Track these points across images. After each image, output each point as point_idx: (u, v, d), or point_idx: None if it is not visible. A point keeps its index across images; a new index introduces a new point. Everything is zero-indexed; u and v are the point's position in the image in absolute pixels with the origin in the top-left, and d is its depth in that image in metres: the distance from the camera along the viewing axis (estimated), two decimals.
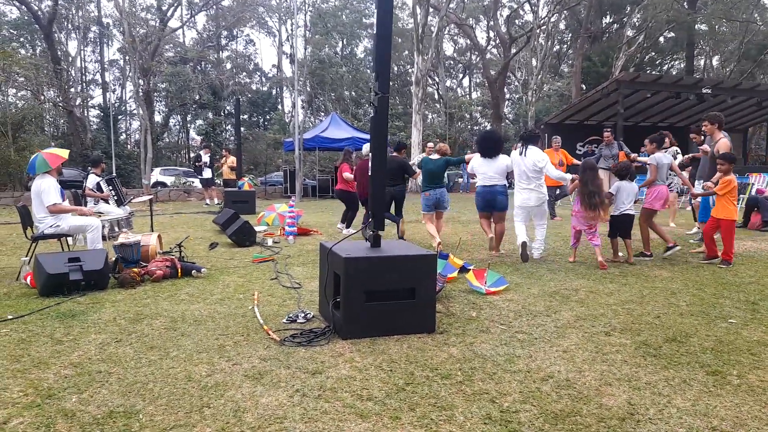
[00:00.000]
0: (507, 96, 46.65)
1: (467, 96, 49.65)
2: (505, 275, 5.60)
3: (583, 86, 32.10)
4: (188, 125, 42.72)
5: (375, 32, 3.89)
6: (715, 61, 37.11)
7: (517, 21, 35.31)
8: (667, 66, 38.70)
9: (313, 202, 17.86)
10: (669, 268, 5.81)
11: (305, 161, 26.80)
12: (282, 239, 8.29)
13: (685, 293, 4.79)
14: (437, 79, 43.61)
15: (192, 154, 36.22)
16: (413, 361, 3.29)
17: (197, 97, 35.27)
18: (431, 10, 23.65)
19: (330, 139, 18.27)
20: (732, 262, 5.92)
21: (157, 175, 25.87)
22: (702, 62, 37.32)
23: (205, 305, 4.56)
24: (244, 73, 43.60)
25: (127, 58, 27.91)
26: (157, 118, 36.29)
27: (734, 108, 23.10)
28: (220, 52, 42.50)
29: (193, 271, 5.66)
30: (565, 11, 31.19)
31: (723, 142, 6.46)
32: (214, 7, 37.24)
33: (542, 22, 25.50)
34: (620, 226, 6.25)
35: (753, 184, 11.29)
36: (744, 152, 26.04)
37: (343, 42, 47.41)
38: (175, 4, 32.42)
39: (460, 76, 51.93)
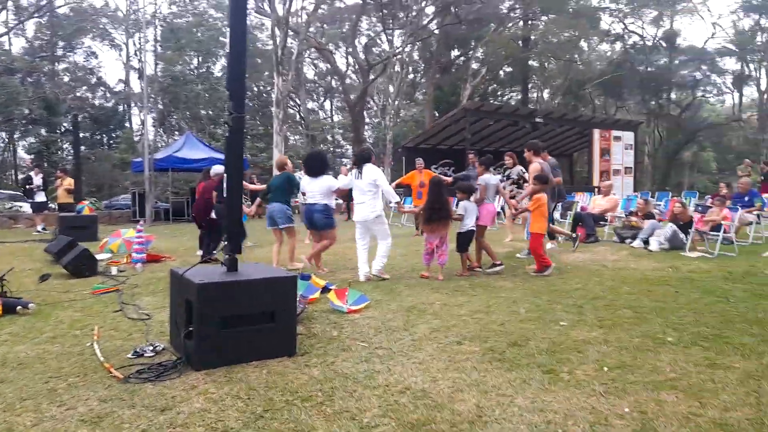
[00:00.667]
0: (367, 120, 48.15)
1: (329, 119, 50.35)
2: (365, 293, 5.70)
3: (436, 113, 34.28)
4: (15, 143, 37.80)
5: (228, 51, 3.80)
6: (546, 94, 41.84)
7: (374, 49, 36.76)
8: (507, 97, 42.83)
9: (167, 226, 16.70)
10: (511, 280, 6.35)
11: (157, 183, 25.09)
12: (129, 267, 7.62)
13: (524, 301, 5.26)
14: (299, 101, 43.66)
15: (21, 176, 32.06)
16: (273, 386, 3.20)
17: (26, 112, 31.39)
18: (291, 32, 23.75)
19: (185, 159, 17.31)
20: (543, 271, 6.54)
21: None
22: (535, 95, 41.87)
23: (32, 345, 4.02)
24: (85, 87, 39.83)
25: None
26: None
27: (562, 135, 26.21)
28: (56, 63, 38.43)
29: (18, 308, 4.96)
30: (417, 42, 33.21)
31: (533, 167, 7.40)
32: (47, 14, 33.70)
33: (397, 51, 26.85)
34: (468, 241, 6.75)
35: (578, 202, 12.82)
36: (570, 174, 29.51)
37: (198, 59, 45.51)
38: None
39: (322, 99, 52.59)
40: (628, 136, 25.08)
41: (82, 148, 37.80)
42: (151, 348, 3.78)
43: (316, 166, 6.99)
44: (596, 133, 23.78)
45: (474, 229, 6.71)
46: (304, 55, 37.19)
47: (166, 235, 12.51)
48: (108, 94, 43.15)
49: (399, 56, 26.52)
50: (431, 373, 3.43)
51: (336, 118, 51.12)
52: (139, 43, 34.29)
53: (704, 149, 37.70)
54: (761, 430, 2.66)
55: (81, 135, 37.97)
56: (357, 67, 34.32)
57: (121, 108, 42.13)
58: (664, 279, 6.22)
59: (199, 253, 8.68)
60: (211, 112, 43.18)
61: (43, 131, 34.26)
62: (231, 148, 3.71)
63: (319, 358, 3.71)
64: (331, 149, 48.95)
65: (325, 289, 5.59)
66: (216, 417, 2.79)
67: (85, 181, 30.89)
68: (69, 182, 13.83)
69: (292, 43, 23.78)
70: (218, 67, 47.34)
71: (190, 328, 3.44)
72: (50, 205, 14.24)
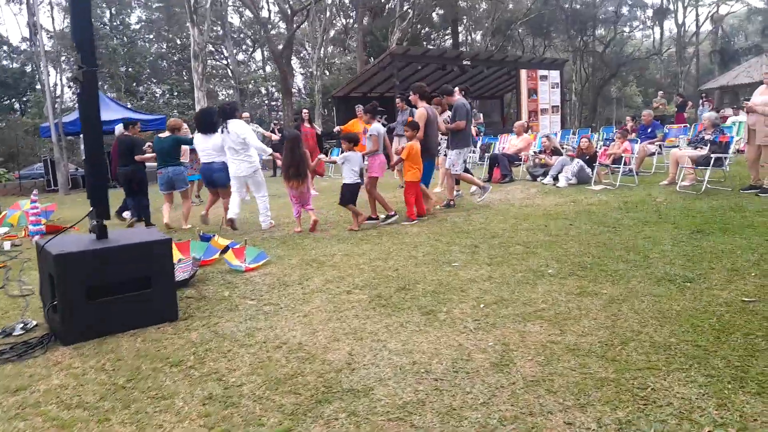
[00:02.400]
0: (301, 70, 46.65)
1: (261, 70, 48.38)
2: (270, 249, 5.64)
3: (372, 59, 33.58)
4: None
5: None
6: (477, 37, 41.69)
7: None
8: (440, 41, 42.37)
9: (83, 192, 15.88)
10: (419, 225, 6.41)
11: (72, 148, 23.66)
12: (27, 241, 7.20)
13: (426, 245, 5.34)
14: (226, 53, 41.65)
15: None
16: (144, 354, 3.12)
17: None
18: None
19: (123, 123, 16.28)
20: (416, 218, 6.54)
21: None
22: (467, 37, 41.63)
23: None
24: None
25: None
26: None
27: (491, 77, 26.35)
28: None
29: None
30: None
31: (418, 112, 6.89)
32: None
33: None
34: (352, 194, 6.53)
35: (494, 143, 12.98)
36: (501, 116, 29.93)
37: (111, 11, 42.25)
38: None
39: (251, 49, 50.33)
40: (554, 75, 25.47)
41: None
42: (22, 326, 3.59)
43: (207, 123, 6.79)
44: (523, 73, 23.99)
45: (359, 182, 6.55)
46: (224, 3, 35.21)
47: (78, 204, 11.89)
48: (12, 55, 39.73)
49: (321, 1, 25.50)
50: (312, 325, 3.44)
51: (268, 69, 49.22)
52: None
53: (627, 84, 38.94)
54: (608, 350, 2.83)
55: None
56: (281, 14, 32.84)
57: (29, 69, 38.89)
58: (563, 213, 6.46)
59: (127, 214, 8.34)
60: (131, 69, 40.66)
61: None
62: (85, 105, 3.44)
63: (203, 320, 3.64)
64: (266, 102, 47.43)
65: (226, 250, 5.48)
66: (73, 392, 2.69)
67: None
68: None
69: None
70: (134, 19, 44.35)
71: (54, 302, 3.28)
72: None
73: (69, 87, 40.96)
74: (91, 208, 3.57)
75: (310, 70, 43.50)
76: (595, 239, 5.09)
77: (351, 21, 43.68)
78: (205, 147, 6.77)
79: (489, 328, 3.21)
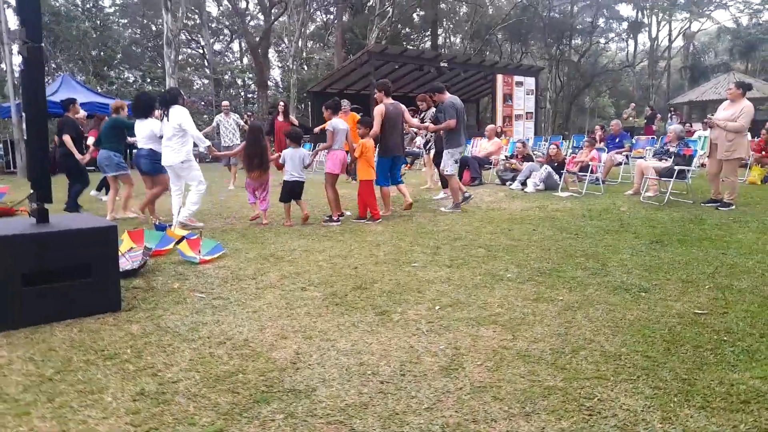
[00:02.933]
0: (279, 64, 46.03)
1: (239, 61, 47.61)
2: (229, 241, 5.49)
3: (351, 56, 33.38)
4: None
5: None
6: (456, 40, 41.88)
7: None
8: (420, 42, 42.42)
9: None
10: (384, 223, 6.34)
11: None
12: None
13: (388, 244, 5.26)
14: (203, 42, 40.90)
15: None
16: (78, 346, 2.95)
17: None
18: None
19: (58, 103, 15.74)
20: (379, 217, 6.43)
21: None
22: (446, 40, 41.78)
23: None
24: None
25: None
26: None
27: (468, 80, 26.48)
28: None
29: None
30: None
31: (377, 108, 6.65)
32: None
33: None
34: (290, 192, 6.46)
35: (470, 146, 12.99)
36: (477, 119, 30.11)
37: None
38: None
39: (228, 39, 49.51)
40: (530, 82, 25.73)
41: None
42: None
43: (140, 108, 6.67)
44: (500, 78, 24.18)
45: (298, 179, 6.40)
46: None
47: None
48: None
49: None
50: (261, 321, 3.32)
51: (246, 61, 48.44)
52: None
53: (600, 95, 39.63)
54: (558, 358, 2.78)
55: None
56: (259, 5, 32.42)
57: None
58: (528, 218, 6.46)
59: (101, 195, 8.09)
60: (102, 54, 39.56)
61: None
62: (29, 83, 3.25)
63: (147, 312, 3.48)
64: (242, 93, 46.69)
65: (182, 240, 5.29)
66: None
67: None
68: None
69: None
70: (108, 2, 43.15)
71: None
72: None
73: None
74: (31, 191, 3.38)
75: (287, 63, 43.12)
76: (557, 245, 5.09)
77: (331, 17, 43.40)
78: (139, 133, 6.63)
79: (442, 331, 3.14)
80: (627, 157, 9.87)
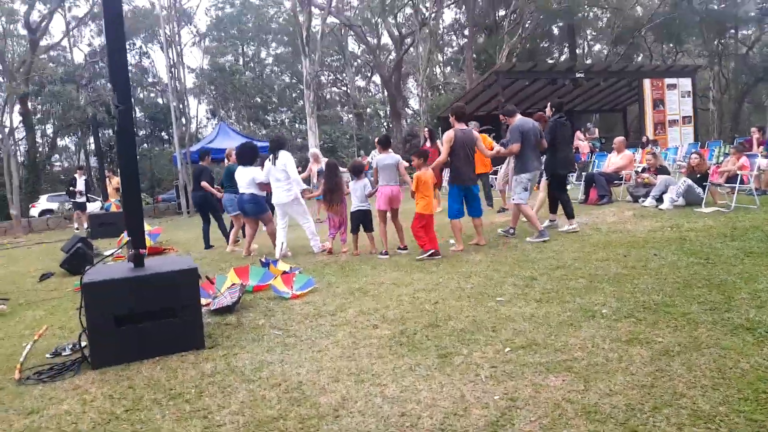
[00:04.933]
0: (417, 93, 47.29)
1: (379, 94, 49.91)
2: (326, 275, 5.64)
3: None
4: (86, 146, 40.31)
5: (105, 40, 3.73)
6: (596, 48, 39.41)
7: (407, 18, 35.92)
8: (560, 55, 40.66)
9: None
10: (485, 251, 6.02)
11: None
12: None
13: (480, 275, 4.97)
14: (347, 80, 43.69)
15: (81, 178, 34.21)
16: (153, 384, 3.18)
17: (89, 116, 33.32)
18: (316, 10, 23.61)
19: (217, 149, 17.75)
20: (428, 249, 5.99)
21: (44, 202, 24.35)
22: (586, 49, 39.52)
23: None
24: (139, 88, 41.56)
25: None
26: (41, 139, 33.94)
27: (609, 89, 24.68)
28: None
29: None
30: (453, 6, 32.07)
31: (446, 135, 6.22)
32: (98, 21, 35.29)
33: (426, 17, 25.94)
34: (358, 221, 6.61)
35: (594, 162, 11.95)
36: (625, 129, 27.76)
37: (245, 47, 46.31)
38: (47, 19, 30.52)
39: (368, 75, 52.23)
40: (685, 83, 23.18)
41: (144, 146, 39.96)
42: (71, 346, 3.87)
43: (245, 156, 7.25)
44: (647, 83, 22.15)
45: (362, 209, 6.59)
46: (344, 34, 36.92)
47: (191, 226, 12.92)
48: (162, 92, 44.89)
49: (431, 21, 25.66)
50: (322, 362, 3.30)
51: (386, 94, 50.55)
52: (175, 36, 34.98)
53: None
54: (632, 417, 2.34)
55: (141, 133, 40.11)
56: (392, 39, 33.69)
57: (181, 105, 43.79)
58: (652, 241, 5.69)
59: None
60: (259, 99, 44.05)
61: (109, 132, 36.22)
62: (122, 143, 3.67)
63: (225, 350, 3.66)
64: (384, 124, 48.69)
65: (285, 274, 5.54)
66: (73, 419, 2.80)
67: (145, 177, 32.62)
68: (117, 181, 14.55)
69: (315, 21, 23.61)
70: (263, 54, 48.10)
71: (84, 329, 3.48)
72: (87, 205, 14.96)
73: (207, 119, 45.51)
74: (128, 238, 3.78)
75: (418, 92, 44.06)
76: (676, 273, 4.39)
77: (466, 40, 43.56)
78: (242, 178, 7.18)
79: (503, 378, 2.84)
80: None
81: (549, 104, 7.14)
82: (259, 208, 7.14)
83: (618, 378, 2.72)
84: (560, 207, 6.96)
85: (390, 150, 6.73)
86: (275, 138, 7.26)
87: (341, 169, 7.87)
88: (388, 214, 6.63)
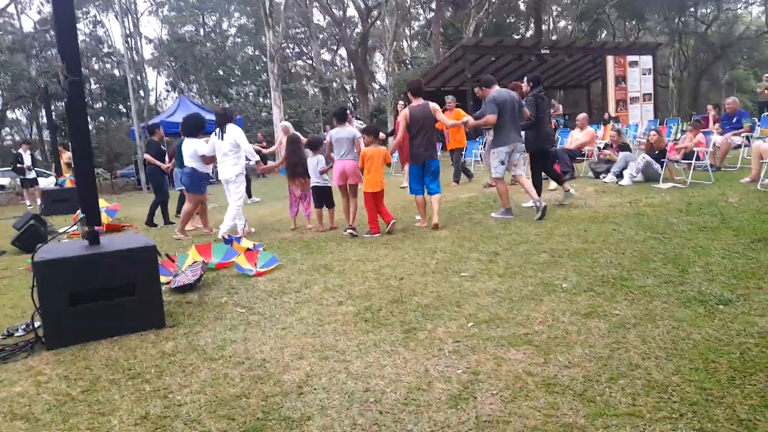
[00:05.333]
0: (383, 67, 46.71)
1: (345, 68, 49.07)
2: (290, 252, 5.58)
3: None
4: (39, 119, 38.53)
5: (52, 7, 3.52)
6: (561, 24, 39.65)
7: None
8: (526, 31, 40.71)
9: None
10: (450, 227, 6.06)
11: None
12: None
13: (445, 251, 5.00)
14: (312, 53, 42.81)
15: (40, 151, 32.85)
16: (111, 364, 3.10)
17: (40, 87, 31.78)
18: None
19: (176, 123, 17.26)
20: (376, 232, 6.02)
21: None
22: (551, 25, 39.70)
23: None
24: (94, 58, 39.83)
25: None
26: None
27: (574, 66, 24.91)
28: None
29: None
30: None
31: (401, 112, 6.22)
32: None
33: None
34: (317, 197, 6.66)
35: (558, 138, 12.12)
36: (588, 106, 28.19)
37: (203, 17, 44.70)
38: None
39: (334, 49, 51.26)
40: (646, 60, 23.56)
41: (101, 119, 38.47)
42: (24, 327, 3.73)
43: (189, 128, 7.10)
44: (610, 60, 22.42)
45: (318, 184, 6.59)
46: (309, 5, 36.06)
47: (149, 202, 12.57)
48: (116, 63, 43.13)
49: None
50: (286, 339, 3.27)
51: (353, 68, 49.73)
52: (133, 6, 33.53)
53: (734, 67, 35.27)
54: (589, 388, 2.41)
55: (96, 106, 38.58)
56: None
57: (131, 76, 42.17)
58: (612, 216, 5.83)
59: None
60: (221, 72, 42.79)
61: (61, 105, 34.70)
62: (72, 115, 3.50)
63: (186, 329, 3.60)
64: (351, 98, 48.05)
65: (249, 251, 5.46)
66: (27, 401, 2.71)
67: (102, 152, 31.53)
68: (68, 156, 13.95)
69: None
70: (225, 25, 46.57)
71: (37, 308, 3.36)
72: (38, 180, 14.35)
73: (167, 91, 44.05)
74: (81, 215, 3.64)
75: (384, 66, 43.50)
76: (634, 248, 4.51)
77: (433, 14, 43.11)
78: (185, 150, 6.97)
79: (465, 353, 2.87)
80: (748, 138, 8.59)
81: (526, 78, 7.08)
82: (193, 184, 6.93)
83: (577, 350, 2.79)
84: (550, 183, 7.06)
85: (347, 123, 6.58)
86: (222, 111, 6.97)
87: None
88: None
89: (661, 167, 7.68)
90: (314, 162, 6.62)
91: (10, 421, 2.53)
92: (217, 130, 6.62)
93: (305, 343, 3.20)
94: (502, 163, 6.26)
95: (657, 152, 7.83)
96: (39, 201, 13.15)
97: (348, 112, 7.22)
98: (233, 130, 6.55)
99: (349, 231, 6.14)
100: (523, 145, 6.44)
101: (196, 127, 7.11)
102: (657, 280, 3.67)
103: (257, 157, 6.85)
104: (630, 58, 23.06)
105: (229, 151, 6.53)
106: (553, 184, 7.63)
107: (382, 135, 7.77)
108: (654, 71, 23.85)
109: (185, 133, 7.06)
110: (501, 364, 2.72)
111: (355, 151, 6.30)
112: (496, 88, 6.38)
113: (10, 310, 4.40)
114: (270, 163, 10.61)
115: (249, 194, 10.12)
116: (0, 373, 3.06)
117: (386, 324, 3.37)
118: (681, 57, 33.49)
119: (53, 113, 28.14)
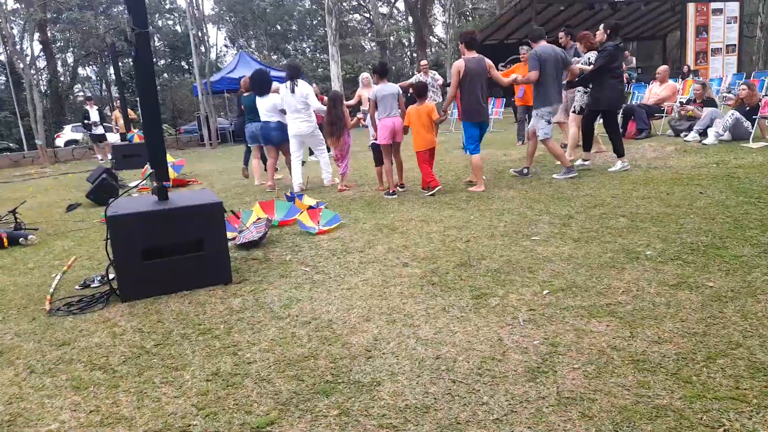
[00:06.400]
0: (443, 20, 45.16)
1: (403, 21, 47.79)
2: (352, 211, 5.52)
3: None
4: (108, 76, 39.94)
5: None
6: None
7: None
8: None
9: (228, 148, 17.24)
10: (519, 188, 5.79)
11: (225, 105, 25.71)
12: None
13: (513, 213, 4.78)
14: (369, 6, 41.89)
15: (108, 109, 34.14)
16: (182, 318, 3.14)
17: (108, 44, 32.77)
18: None
19: (237, 79, 17.38)
20: (438, 185, 5.90)
21: (68, 132, 24.42)
22: None
23: (8, 277, 4.27)
24: (157, 15, 40.52)
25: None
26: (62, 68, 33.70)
27: (650, 14, 23.18)
28: None
29: (20, 239, 5.30)
30: None
31: (454, 65, 5.82)
32: None
33: None
34: (374, 155, 6.51)
35: (633, 93, 11.32)
36: (663, 59, 26.34)
37: None
38: None
39: (392, 0, 49.87)
40: (732, 7, 21.60)
41: (164, 75, 39.45)
42: (100, 278, 3.85)
43: (262, 84, 6.97)
44: (691, 8, 20.69)
45: (375, 143, 6.30)
46: None
47: (214, 158, 12.86)
48: (180, 19, 43.70)
49: None
50: (352, 300, 3.21)
51: (411, 20, 48.27)
52: None
53: None
54: (684, 367, 2.20)
55: (161, 62, 39.49)
56: None
57: (193, 32, 42.75)
58: (697, 178, 5.38)
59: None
60: (279, 27, 42.67)
61: (129, 62, 35.74)
62: (140, 69, 3.47)
63: (252, 285, 3.60)
64: (408, 53, 46.96)
65: (311, 209, 5.42)
66: (104, 352, 2.78)
67: (166, 108, 32.43)
68: (129, 112, 14.37)
69: None
70: None
71: (111, 262, 3.43)
72: (107, 137, 14.89)
73: (226, 47, 44.48)
74: (151, 170, 3.65)
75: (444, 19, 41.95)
76: (726, 213, 4.13)
77: None
78: (263, 105, 6.93)
79: (542, 322, 2.71)
80: None
81: (603, 26, 6.52)
82: (285, 135, 6.88)
83: (667, 325, 2.56)
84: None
85: (386, 80, 6.24)
86: (293, 64, 6.94)
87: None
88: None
89: (752, 125, 7.01)
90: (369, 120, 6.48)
91: (90, 371, 2.61)
92: (288, 82, 6.51)
93: (371, 305, 3.12)
94: (549, 123, 5.97)
95: (748, 108, 7.15)
96: (109, 156, 13.67)
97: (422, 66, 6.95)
98: (305, 86, 6.51)
99: (398, 190, 6.19)
100: (558, 106, 6.16)
101: (268, 83, 6.99)
102: (755, 250, 3.33)
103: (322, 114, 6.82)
104: (713, 5, 21.20)
105: (302, 107, 6.49)
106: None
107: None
108: (740, 19, 21.84)
109: (260, 91, 6.95)
110: (582, 336, 2.54)
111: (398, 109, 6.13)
112: (543, 43, 5.94)
113: (87, 261, 4.56)
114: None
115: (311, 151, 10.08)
116: (79, 323, 3.17)
117: (454, 288, 3.24)
118: None
119: (121, 70, 28.93)
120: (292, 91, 6.46)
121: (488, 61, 5.80)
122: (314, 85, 8.90)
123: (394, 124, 6.02)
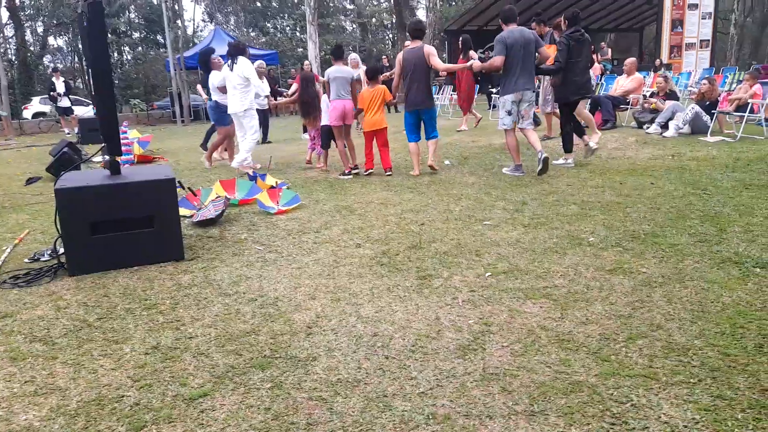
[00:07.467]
0: (424, 3, 44.82)
1: (385, 3, 47.30)
2: (314, 192, 5.53)
3: None
4: (79, 47, 38.78)
5: None
6: None
7: None
8: None
9: (200, 125, 16.98)
10: (479, 174, 5.88)
11: (194, 82, 25.19)
12: None
13: (470, 198, 4.86)
14: None
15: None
16: (129, 293, 3.15)
17: (77, 13, 31.81)
18: None
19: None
20: (371, 168, 6.24)
21: (36, 104, 23.72)
22: None
23: None
24: None
25: None
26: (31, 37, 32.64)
27: (627, 6, 23.41)
28: None
29: None
30: None
31: (398, 56, 6.11)
32: None
33: None
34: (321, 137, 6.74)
35: (602, 84, 11.50)
36: (640, 52, 26.65)
37: None
38: None
39: None
40: (707, 3, 21.86)
41: (139, 49, 38.48)
42: (50, 252, 3.82)
43: (204, 62, 7.31)
44: (668, 1, 20.88)
45: (326, 125, 6.45)
46: None
47: (184, 135, 12.69)
48: None
49: None
50: (300, 279, 3.26)
51: (392, 3, 47.79)
52: None
53: None
54: (605, 347, 2.31)
55: (134, 35, 38.49)
56: None
57: (175, 6, 41.69)
58: (652, 168, 5.54)
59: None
60: (258, 4, 41.88)
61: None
62: (92, 39, 3.41)
63: (204, 263, 3.62)
64: (389, 36, 46.57)
65: (272, 189, 5.43)
66: (45, 325, 2.79)
67: (139, 83, 31.70)
68: None
69: None
70: None
71: (59, 236, 3.41)
72: (73, 109, 14.58)
73: (203, 22, 43.51)
74: (104, 144, 3.62)
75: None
76: (671, 203, 4.28)
77: None
78: (211, 83, 7.08)
79: (480, 303, 2.80)
80: None
81: (563, 16, 6.59)
82: (217, 115, 7.02)
83: (596, 307, 2.67)
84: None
85: (341, 62, 6.35)
86: (235, 43, 6.85)
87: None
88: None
89: (711, 119, 7.21)
90: (324, 103, 6.59)
91: (29, 343, 2.61)
92: (229, 60, 6.46)
93: (319, 283, 3.17)
94: (509, 113, 5.63)
95: (708, 103, 7.34)
96: (76, 129, 13.38)
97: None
98: (244, 64, 6.37)
99: (353, 172, 6.27)
100: (533, 94, 5.76)
101: (209, 60, 7.20)
102: (691, 239, 3.47)
103: (266, 92, 6.94)
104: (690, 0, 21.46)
105: (239, 84, 6.36)
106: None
107: (385, 75, 7.63)
108: (715, 15, 22.16)
109: (203, 68, 7.10)
110: (515, 316, 2.63)
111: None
112: (513, 26, 5.62)
113: (40, 235, 4.52)
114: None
115: (265, 135, 10.02)
116: (24, 296, 3.16)
117: (402, 269, 3.31)
118: (747, 1, 30.99)
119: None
120: (231, 69, 6.41)
121: (428, 49, 5.79)
122: (261, 63, 8.84)
123: (345, 106, 6.13)
